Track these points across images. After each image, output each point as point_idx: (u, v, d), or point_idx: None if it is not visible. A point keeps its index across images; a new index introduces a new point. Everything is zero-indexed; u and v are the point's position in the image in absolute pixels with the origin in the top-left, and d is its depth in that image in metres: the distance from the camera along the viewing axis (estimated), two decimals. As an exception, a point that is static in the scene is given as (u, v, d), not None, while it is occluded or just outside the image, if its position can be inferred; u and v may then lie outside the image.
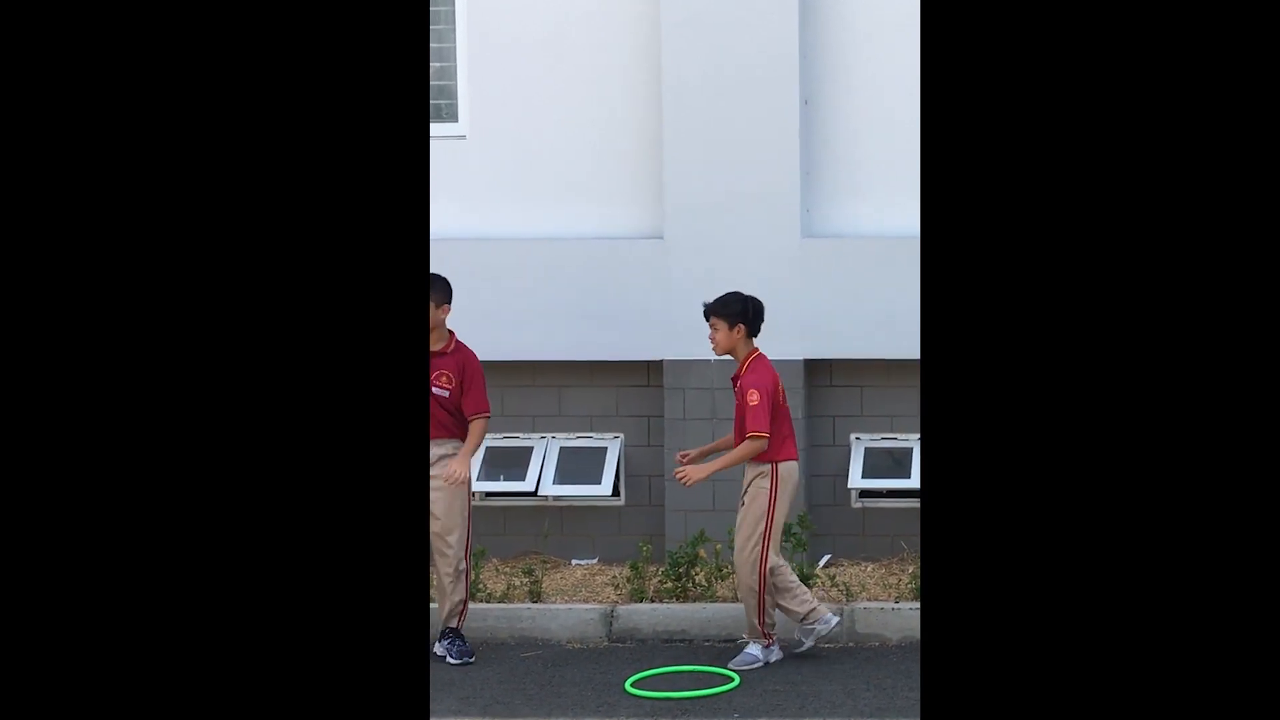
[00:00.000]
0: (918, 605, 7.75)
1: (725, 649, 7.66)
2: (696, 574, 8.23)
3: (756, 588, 7.35)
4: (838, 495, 9.11)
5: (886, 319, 8.73)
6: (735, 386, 7.48)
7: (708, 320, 7.46)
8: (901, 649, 7.66)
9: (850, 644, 7.78)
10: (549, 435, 9.33)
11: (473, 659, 7.58)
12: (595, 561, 9.14)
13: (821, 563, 8.85)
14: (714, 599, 8.10)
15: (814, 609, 7.47)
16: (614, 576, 8.56)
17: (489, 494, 9.21)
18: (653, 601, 8.13)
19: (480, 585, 8.20)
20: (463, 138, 9.23)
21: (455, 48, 9.24)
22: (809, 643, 7.50)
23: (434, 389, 7.43)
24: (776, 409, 7.40)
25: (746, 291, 7.52)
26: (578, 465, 9.24)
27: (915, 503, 8.81)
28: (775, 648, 7.48)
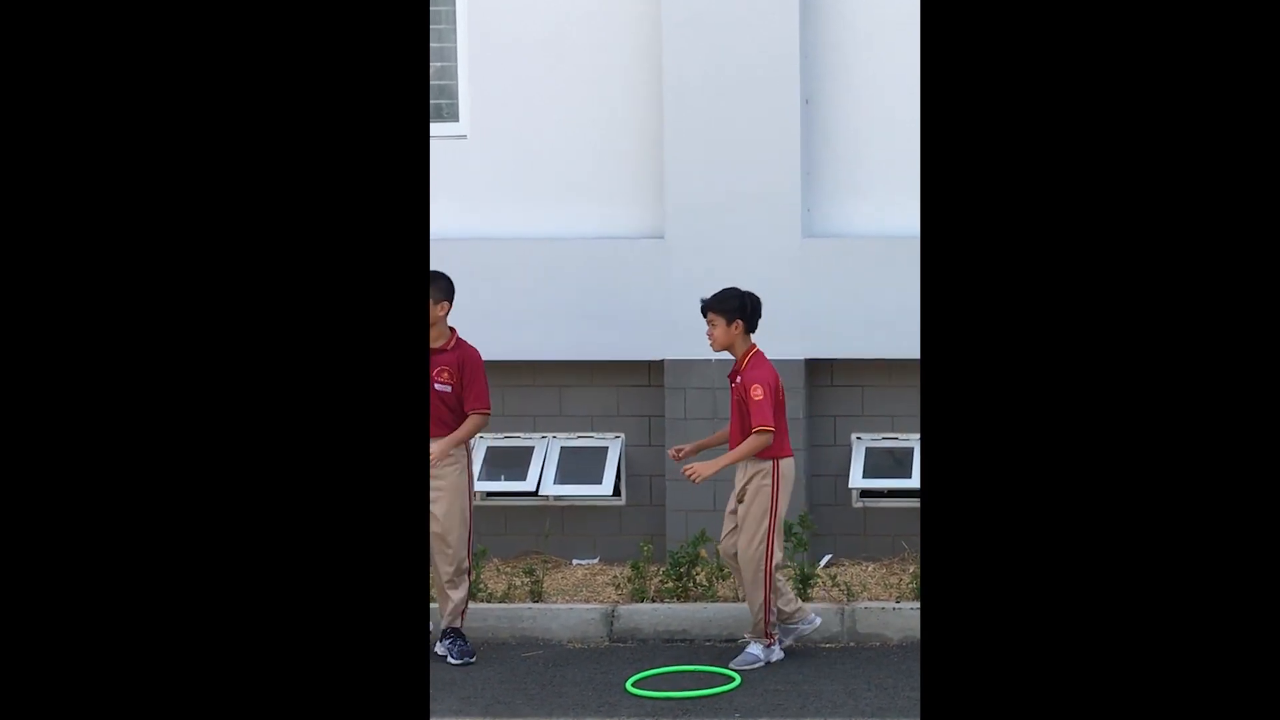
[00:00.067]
0: (919, 605, 7.75)
1: (726, 649, 7.66)
2: (697, 574, 8.23)
3: (763, 584, 7.35)
4: (839, 495, 9.11)
5: (887, 319, 8.73)
6: (734, 383, 7.47)
7: (705, 316, 7.45)
8: (903, 649, 7.66)
9: (851, 644, 7.78)
10: (550, 435, 9.33)
11: (474, 659, 7.58)
12: (596, 561, 9.14)
13: (822, 563, 8.85)
14: (715, 599, 8.10)
15: (800, 609, 7.56)
16: (615, 576, 8.57)
17: (490, 494, 9.21)
18: (654, 601, 8.13)
19: (481, 585, 8.20)
20: (463, 137, 9.23)
21: (456, 47, 9.24)
22: (787, 640, 7.58)
23: (434, 386, 7.43)
24: (778, 405, 7.40)
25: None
26: (579, 465, 9.24)
27: (916, 503, 8.81)
28: (777, 647, 7.48)
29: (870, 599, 8.10)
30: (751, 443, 7.32)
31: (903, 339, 8.48)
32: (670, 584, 8.20)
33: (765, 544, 7.35)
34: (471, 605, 7.79)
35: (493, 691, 7.12)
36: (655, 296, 8.96)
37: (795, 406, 8.71)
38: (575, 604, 8.16)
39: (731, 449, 7.46)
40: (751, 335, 7.47)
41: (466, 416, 7.56)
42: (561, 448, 9.29)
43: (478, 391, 7.57)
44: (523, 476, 9.20)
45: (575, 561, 9.13)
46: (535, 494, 9.19)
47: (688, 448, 7.69)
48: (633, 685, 7.10)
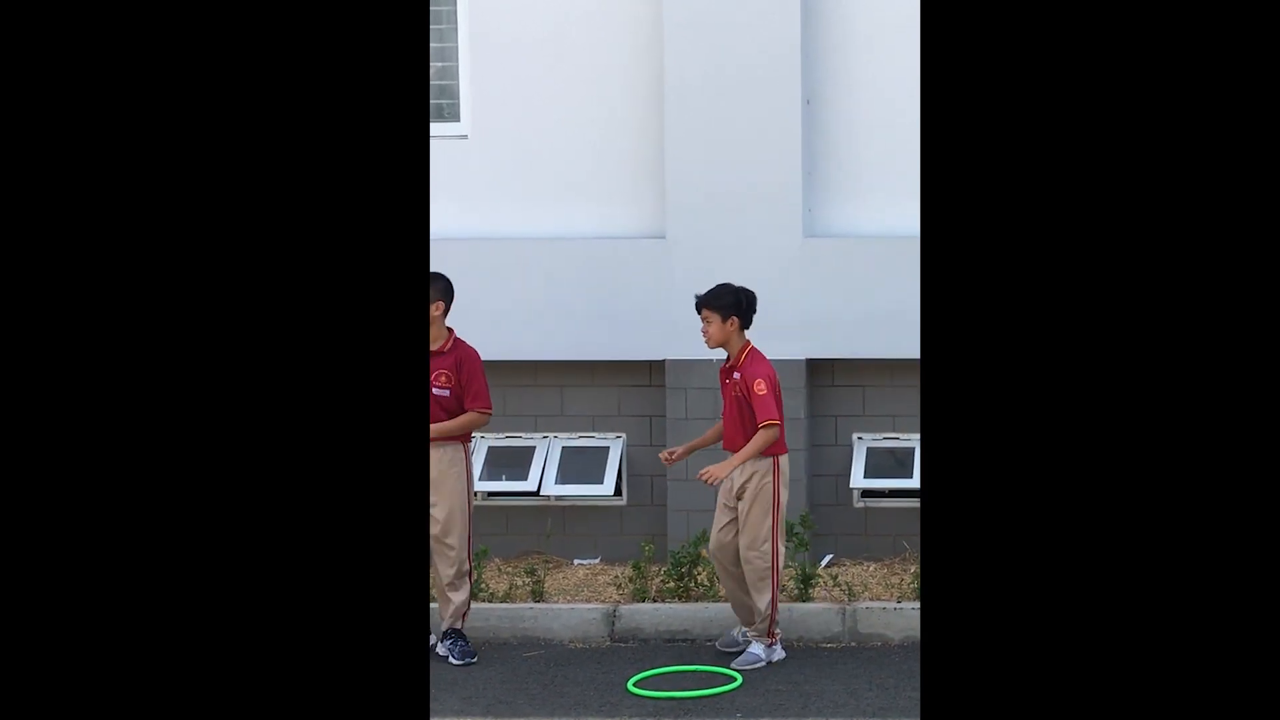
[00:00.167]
0: (920, 605, 7.75)
1: (727, 649, 7.65)
2: (699, 574, 8.23)
3: (770, 580, 7.34)
4: (840, 495, 9.11)
5: (888, 318, 8.73)
6: (729, 379, 7.45)
7: (700, 313, 7.44)
8: (904, 649, 7.66)
9: (852, 644, 7.78)
10: (551, 435, 9.33)
11: (475, 659, 7.58)
12: (597, 561, 9.14)
13: (824, 562, 8.85)
14: (716, 599, 8.09)
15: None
16: (616, 576, 8.57)
17: (491, 494, 9.21)
18: (655, 601, 8.13)
19: (482, 585, 8.20)
20: (464, 137, 9.23)
21: (457, 47, 9.24)
22: (735, 649, 7.49)
23: (432, 389, 7.41)
24: (778, 399, 7.38)
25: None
26: (580, 465, 9.25)
27: (917, 502, 8.81)
28: (778, 647, 7.47)
29: (871, 599, 8.09)
30: (761, 438, 7.30)
31: (904, 339, 8.48)
32: (671, 584, 8.20)
33: (770, 543, 7.34)
34: (473, 605, 7.79)
35: (494, 691, 7.12)
36: (656, 296, 8.96)
37: (796, 406, 8.71)
38: (576, 604, 8.16)
39: (728, 445, 7.46)
40: (746, 332, 7.46)
41: (467, 416, 7.57)
42: (563, 448, 9.29)
43: (477, 390, 7.55)
44: (524, 476, 9.20)
45: (576, 561, 9.13)
46: (536, 494, 9.20)
47: (679, 450, 7.67)
48: (634, 685, 7.10)
